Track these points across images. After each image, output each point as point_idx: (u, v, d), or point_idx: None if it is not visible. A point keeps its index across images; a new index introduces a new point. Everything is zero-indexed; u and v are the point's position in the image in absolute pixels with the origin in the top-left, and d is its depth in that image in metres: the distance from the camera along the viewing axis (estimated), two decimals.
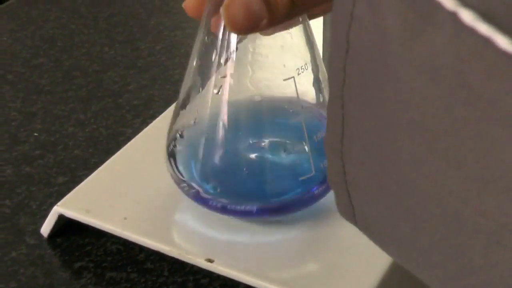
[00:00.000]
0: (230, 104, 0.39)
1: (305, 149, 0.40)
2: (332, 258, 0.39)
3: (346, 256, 0.39)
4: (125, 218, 0.42)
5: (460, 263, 0.21)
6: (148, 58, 0.63)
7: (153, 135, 0.48)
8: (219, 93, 0.39)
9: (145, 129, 0.49)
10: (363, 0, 0.21)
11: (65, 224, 0.45)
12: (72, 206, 0.43)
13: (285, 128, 0.41)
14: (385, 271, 0.38)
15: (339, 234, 0.41)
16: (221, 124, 0.39)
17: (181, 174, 0.41)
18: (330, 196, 0.41)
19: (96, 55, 0.64)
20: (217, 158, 0.40)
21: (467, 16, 0.18)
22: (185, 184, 0.41)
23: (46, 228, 0.44)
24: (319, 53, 0.40)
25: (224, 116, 0.39)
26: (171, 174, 0.41)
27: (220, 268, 0.39)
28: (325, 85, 0.40)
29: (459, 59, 0.18)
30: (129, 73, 0.61)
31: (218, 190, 0.40)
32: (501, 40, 0.17)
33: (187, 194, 0.41)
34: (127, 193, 0.44)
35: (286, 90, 0.39)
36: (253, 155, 0.41)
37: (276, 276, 0.38)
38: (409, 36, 0.19)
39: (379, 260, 0.38)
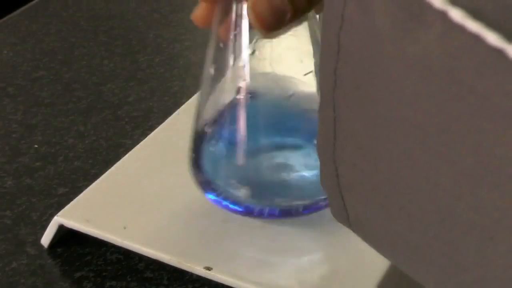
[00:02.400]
0: (255, 106, 0.40)
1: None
2: (331, 264, 0.40)
3: (345, 262, 0.39)
4: (124, 228, 0.42)
5: (454, 260, 0.21)
6: (147, 70, 0.64)
7: (152, 146, 0.49)
8: (243, 96, 0.39)
9: (144, 140, 0.50)
10: (353, 2, 0.21)
11: (65, 234, 0.45)
12: (72, 216, 0.43)
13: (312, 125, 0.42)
14: (382, 275, 0.38)
15: (337, 240, 0.41)
16: (246, 125, 0.40)
17: (206, 174, 0.41)
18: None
19: (96, 68, 0.64)
20: (241, 159, 0.40)
21: (456, 15, 0.18)
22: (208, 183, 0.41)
23: (46, 239, 0.45)
24: None
25: (250, 118, 0.40)
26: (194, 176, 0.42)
27: (218, 276, 0.39)
28: None
29: (450, 56, 0.19)
30: (128, 85, 0.61)
31: (244, 191, 0.40)
32: (490, 37, 0.18)
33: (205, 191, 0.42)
34: (127, 203, 0.44)
35: (307, 84, 0.40)
36: (278, 155, 0.41)
37: (274, 283, 0.38)
38: (400, 35, 0.20)
39: (376, 264, 0.39)
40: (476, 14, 0.18)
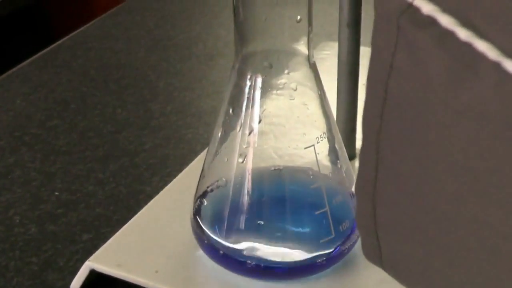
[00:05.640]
0: (254, 171, 0.41)
1: (325, 213, 0.42)
2: None
3: None
4: (156, 271, 0.43)
5: None
6: (161, 119, 0.65)
7: (177, 191, 0.50)
8: (244, 161, 0.41)
9: (169, 185, 0.51)
10: (403, 52, 0.23)
11: (93, 280, 0.46)
12: (103, 261, 0.44)
13: (306, 194, 0.43)
14: None
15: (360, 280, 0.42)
16: (244, 189, 0.41)
17: (206, 235, 0.43)
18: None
19: (110, 116, 0.65)
20: (239, 222, 0.42)
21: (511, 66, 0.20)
22: (206, 243, 0.43)
23: (76, 283, 0.45)
24: (335, 123, 0.43)
25: (248, 183, 0.41)
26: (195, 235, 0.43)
27: None
28: (341, 153, 0.43)
29: (505, 105, 0.20)
30: (143, 133, 0.63)
31: (244, 252, 0.41)
32: None
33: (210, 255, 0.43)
34: (156, 248, 0.45)
35: (306, 157, 0.41)
36: (274, 219, 0.42)
37: None
38: (454, 84, 0.21)
39: None
40: None
